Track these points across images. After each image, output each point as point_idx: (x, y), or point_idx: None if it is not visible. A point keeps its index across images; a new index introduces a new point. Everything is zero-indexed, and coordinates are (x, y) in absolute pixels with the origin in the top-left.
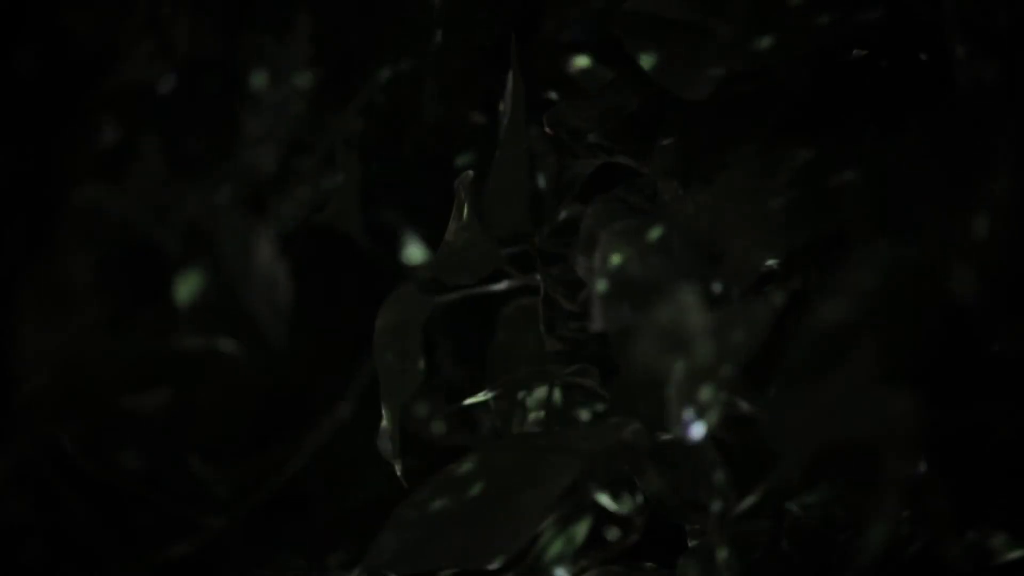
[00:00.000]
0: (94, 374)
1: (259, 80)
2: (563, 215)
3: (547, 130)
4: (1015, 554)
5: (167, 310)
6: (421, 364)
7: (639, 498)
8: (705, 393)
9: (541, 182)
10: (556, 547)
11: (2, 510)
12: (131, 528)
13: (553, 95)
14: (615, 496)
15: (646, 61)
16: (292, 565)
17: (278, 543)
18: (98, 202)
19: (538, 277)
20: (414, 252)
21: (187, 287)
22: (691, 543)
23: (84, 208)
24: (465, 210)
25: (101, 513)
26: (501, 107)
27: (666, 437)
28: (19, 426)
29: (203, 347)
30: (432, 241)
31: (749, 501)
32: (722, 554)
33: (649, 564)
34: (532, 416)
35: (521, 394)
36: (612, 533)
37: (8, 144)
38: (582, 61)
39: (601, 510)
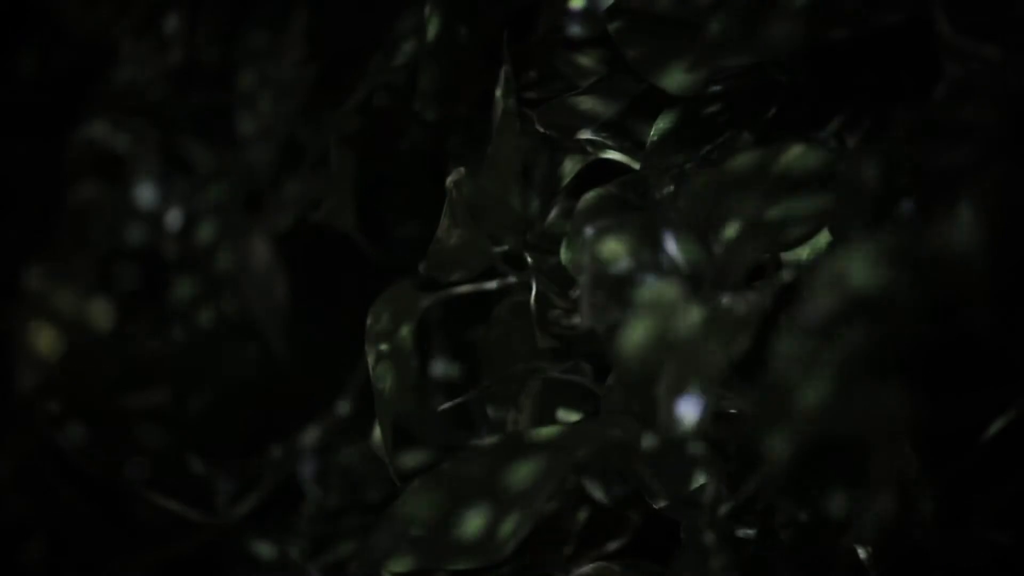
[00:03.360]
0: (94, 374)
1: (255, 79)
2: (555, 212)
3: (539, 127)
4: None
5: (167, 310)
6: (414, 362)
7: (633, 495)
8: (695, 389)
9: (533, 179)
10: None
11: (2, 510)
12: (131, 528)
13: (545, 92)
14: (609, 493)
15: (635, 56)
16: (292, 565)
17: (278, 542)
18: (97, 202)
19: (531, 274)
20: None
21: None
22: (684, 539)
23: (83, 208)
24: (457, 207)
25: (101, 513)
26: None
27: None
28: (19, 426)
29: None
30: (427, 239)
31: (740, 497)
32: (715, 550)
33: (644, 561)
34: (525, 413)
35: (514, 391)
36: (606, 530)
37: (8, 143)
38: (575, 57)
39: (595, 507)
